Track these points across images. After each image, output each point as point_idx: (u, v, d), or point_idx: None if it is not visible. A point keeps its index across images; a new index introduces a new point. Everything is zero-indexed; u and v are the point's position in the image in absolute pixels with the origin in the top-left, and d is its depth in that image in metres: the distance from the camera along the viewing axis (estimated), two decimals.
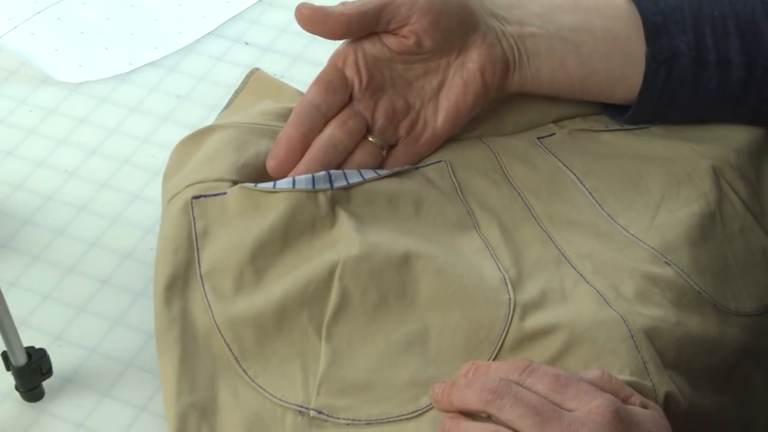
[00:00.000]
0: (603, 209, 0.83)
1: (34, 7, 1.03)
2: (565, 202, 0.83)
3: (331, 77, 0.83)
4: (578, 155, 0.86)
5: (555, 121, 0.88)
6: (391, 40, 0.82)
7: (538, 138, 0.87)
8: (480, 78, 0.83)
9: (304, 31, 1.01)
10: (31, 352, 0.75)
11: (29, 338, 0.75)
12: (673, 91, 0.84)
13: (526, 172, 0.84)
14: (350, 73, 0.83)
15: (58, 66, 0.99)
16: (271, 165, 0.81)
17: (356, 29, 0.82)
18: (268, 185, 0.80)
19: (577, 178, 0.84)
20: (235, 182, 0.80)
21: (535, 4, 0.85)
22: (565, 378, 0.70)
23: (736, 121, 0.88)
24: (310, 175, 0.80)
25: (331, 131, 0.82)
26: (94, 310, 0.81)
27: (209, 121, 0.94)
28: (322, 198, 0.79)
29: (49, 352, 0.75)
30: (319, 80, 0.83)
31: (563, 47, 0.84)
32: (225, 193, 0.79)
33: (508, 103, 0.88)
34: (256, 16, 1.04)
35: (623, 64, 0.84)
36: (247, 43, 1.01)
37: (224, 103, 0.94)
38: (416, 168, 0.84)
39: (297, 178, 0.80)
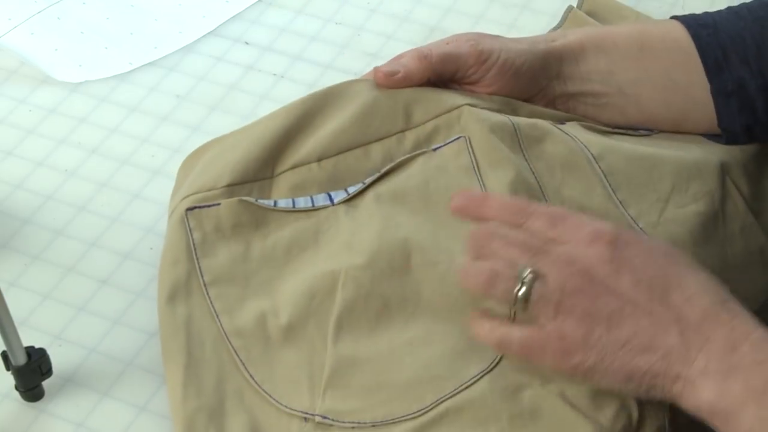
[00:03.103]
0: (615, 195, 0.82)
1: (34, 7, 1.03)
2: (577, 183, 0.82)
3: None
4: (594, 141, 0.85)
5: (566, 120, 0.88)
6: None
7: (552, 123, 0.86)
8: None
9: (303, 31, 1.02)
10: (30, 351, 0.74)
11: (29, 338, 0.75)
12: (752, 113, 0.85)
13: (542, 149, 0.84)
14: None
15: (58, 66, 0.98)
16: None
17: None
18: (269, 202, 0.81)
19: (593, 158, 0.83)
20: (228, 185, 0.81)
21: (601, 57, 0.87)
22: (561, 214, 0.72)
23: None
24: (309, 197, 0.81)
25: None
26: (94, 310, 0.81)
27: (209, 121, 0.94)
28: (323, 213, 0.80)
29: (48, 351, 0.75)
30: None
31: (623, 101, 0.87)
32: (218, 204, 0.80)
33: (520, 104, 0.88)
34: (256, 15, 1.04)
35: (683, 108, 0.86)
36: (247, 43, 1.01)
37: (224, 103, 0.94)
38: (434, 149, 0.83)
39: (296, 199, 0.81)
